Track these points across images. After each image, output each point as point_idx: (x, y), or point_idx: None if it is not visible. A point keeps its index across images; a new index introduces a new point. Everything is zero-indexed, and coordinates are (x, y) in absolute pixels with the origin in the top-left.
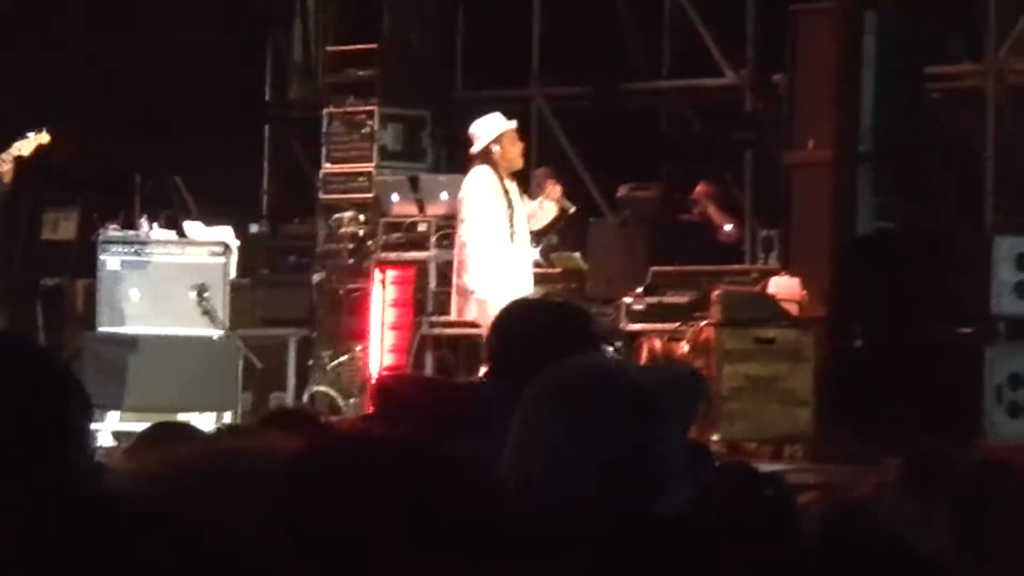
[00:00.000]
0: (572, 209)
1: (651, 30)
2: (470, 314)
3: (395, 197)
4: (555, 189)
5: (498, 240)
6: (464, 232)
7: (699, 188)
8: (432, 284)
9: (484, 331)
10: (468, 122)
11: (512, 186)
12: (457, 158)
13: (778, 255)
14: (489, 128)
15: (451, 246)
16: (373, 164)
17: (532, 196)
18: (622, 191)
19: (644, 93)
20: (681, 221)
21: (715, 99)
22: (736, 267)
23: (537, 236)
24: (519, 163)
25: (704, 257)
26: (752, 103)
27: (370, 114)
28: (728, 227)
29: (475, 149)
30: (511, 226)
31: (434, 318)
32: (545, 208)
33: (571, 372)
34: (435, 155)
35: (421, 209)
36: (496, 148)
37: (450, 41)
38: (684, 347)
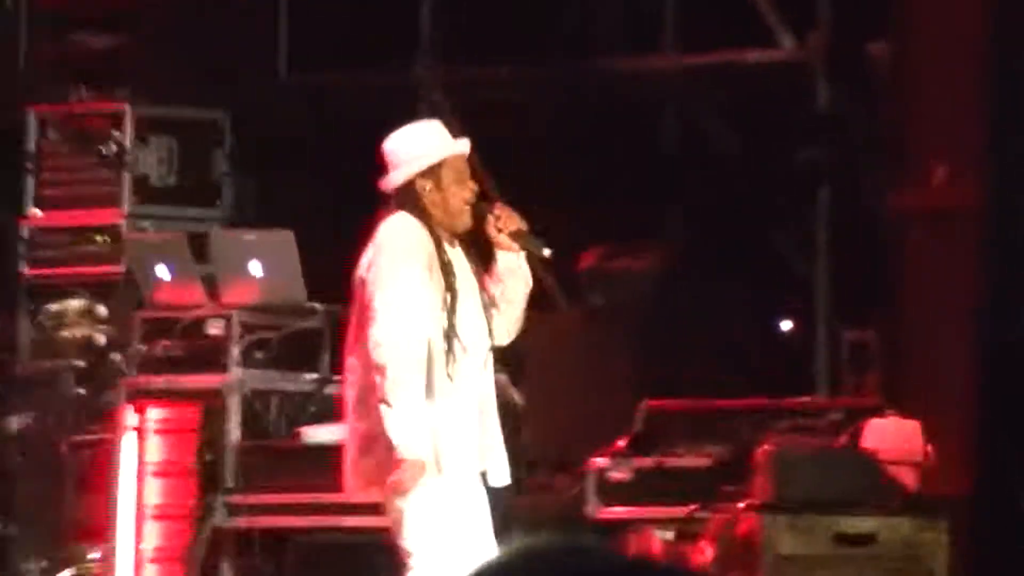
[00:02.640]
0: (545, 253)
1: None
2: (363, 495)
3: (163, 272)
4: (507, 218)
5: (431, 350)
6: (374, 333)
7: None
8: (234, 434)
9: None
10: (302, 130)
11: (458, 256)
12: (281, 195)
13: (879, 378)
14: (419, 147)
15: (272, 363)
16: (123, 210)
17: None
18: (588, 259)
19: (630, 77)
20: (701, 314)
21: (761, 88)
22: (801, 400)
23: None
24: (466, 218)
25: (741, 382)
26: (829, 97)
27: (116, 119)
28: (786, 324)
29: (390, 184)
30: (452, 330)
31: (238, 498)
32: (510, 271)
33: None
34: (236, 192)
35: (213, 294)
36: (427, 186)
37: None
38: (705, 549)
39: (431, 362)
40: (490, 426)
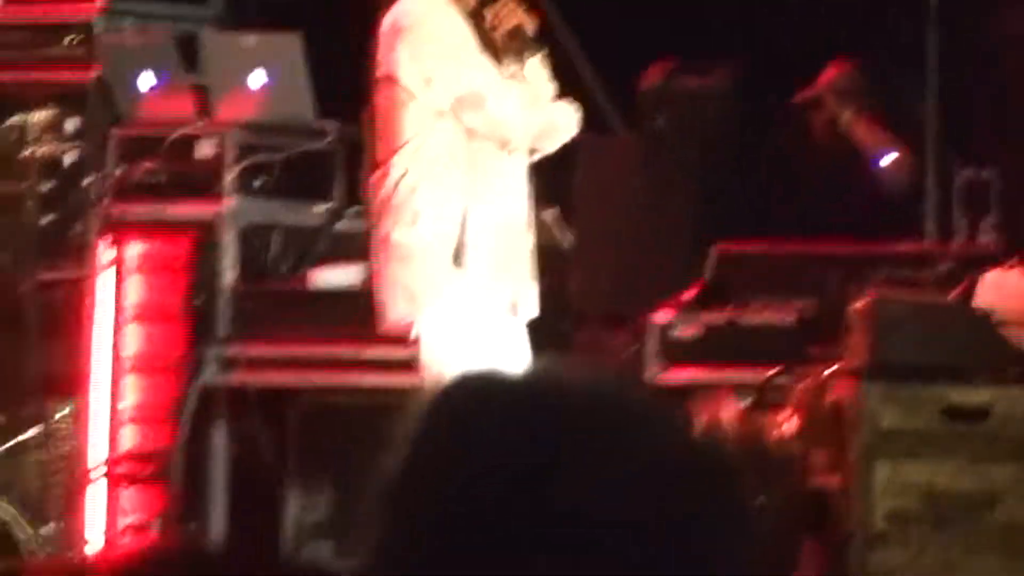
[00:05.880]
0: (535, 58)
1: None
2: (397, 310)
3: (145, 80)
4: (508, 13)
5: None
6: (409, 123)
7: (827, 73)
8: (229, 274)
9: (421, 374)
10: None
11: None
12: None
13: (997, 223)
14: None
15: (275, 191)
16: (96, 5)
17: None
18: (652, 76)
19: None
20: (784, 141)
21: None
22: (904, 247)
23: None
24: (472, 1)
25: (831, 224)
26: None
27: None
28: (887, 156)
29: None
30: None
31: (233, 349)
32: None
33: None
34: None
35: (204, 108)
36: None
37: None
38: (787, 420)
39: (477, 152)
40: (523, 249)
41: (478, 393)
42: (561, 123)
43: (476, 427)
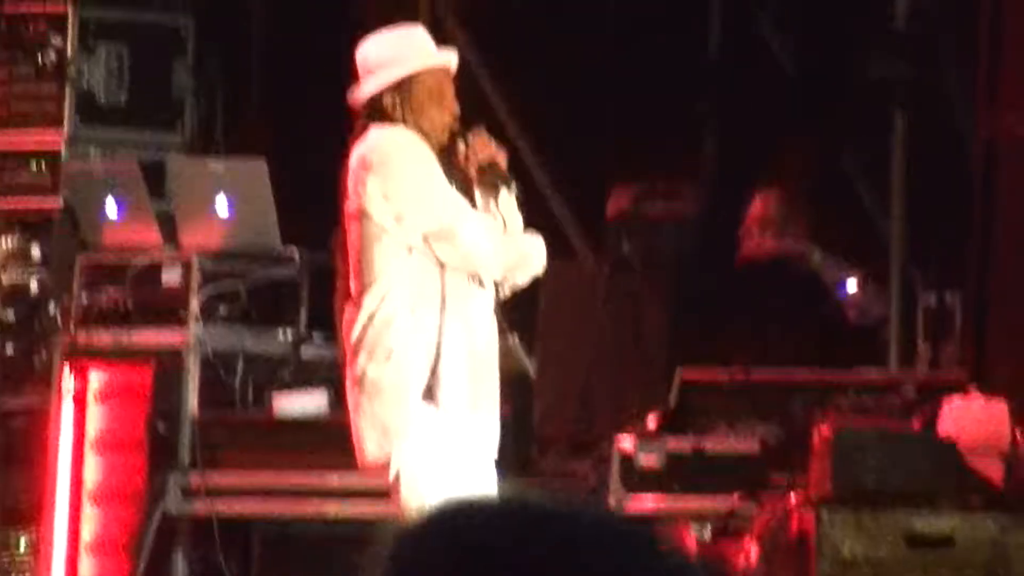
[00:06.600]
0: (504, 195)
1: None
2: (374, 446)
3: (111, 208)
4: (481, 147)
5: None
6: (381, 258)
7: (752, 211)
8: (192, 403)
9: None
10: (281, 40)
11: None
12: (255, 118)
13: (961, 349)
14: (389, 55)
15: (239, 319)
16: (63, 133)
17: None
18: (619, 203)
19: None
20: (748, 267)
21: None
22: (868, 373)
23: None
24: (444, 137)
25: (793, 351)
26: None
27: (56, 20)
28: (848, 283)
29: (356, 97)
30: None
31: (195, 478)
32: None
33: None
34: (201, 113)
35: (170, 236)
36: (395, 103)
37: None
38: (749, 549)
39: (445, 285)
40: (493, 381)
41: (457, 520)
42: (533, 255)
43: (456, 554)
